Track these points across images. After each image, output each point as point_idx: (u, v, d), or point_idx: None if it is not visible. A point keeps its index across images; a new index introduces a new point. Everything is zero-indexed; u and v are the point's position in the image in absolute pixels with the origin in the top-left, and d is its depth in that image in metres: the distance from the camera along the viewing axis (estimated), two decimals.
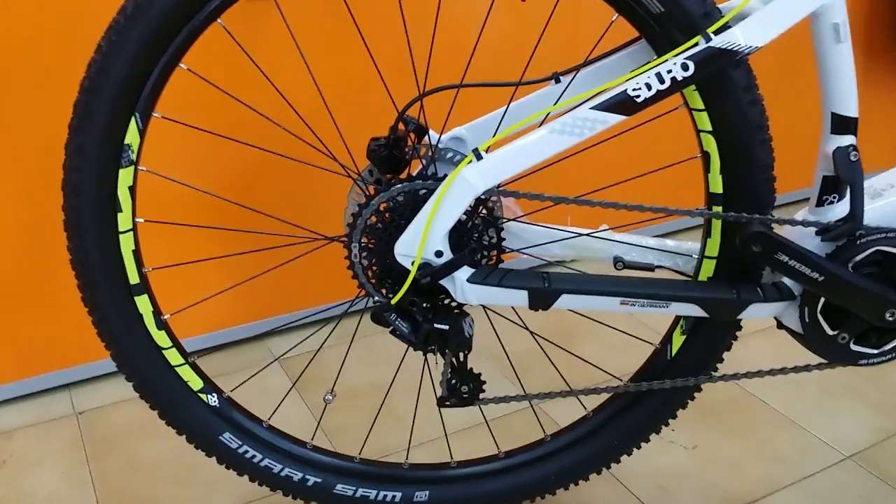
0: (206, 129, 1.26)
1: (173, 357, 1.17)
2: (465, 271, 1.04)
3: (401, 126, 1.11)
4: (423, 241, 1.00)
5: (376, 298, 1.09)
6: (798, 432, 1.55)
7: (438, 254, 1.02)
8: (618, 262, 1.18)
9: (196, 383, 1.19)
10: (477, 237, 1.08)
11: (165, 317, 1.15)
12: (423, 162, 1.12)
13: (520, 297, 1.05)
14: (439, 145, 1.13)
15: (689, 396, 1.23)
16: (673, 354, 1.20)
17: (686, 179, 1.29)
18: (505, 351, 1.27)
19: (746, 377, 1.16)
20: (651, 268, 1.18)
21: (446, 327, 1.05)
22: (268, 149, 1.21)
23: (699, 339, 1.18)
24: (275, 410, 1.26)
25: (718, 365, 1.20)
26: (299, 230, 1.18)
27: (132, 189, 1.06)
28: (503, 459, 1.28)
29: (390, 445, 1.52)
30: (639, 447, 1.26)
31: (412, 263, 1.02)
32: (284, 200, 1.78)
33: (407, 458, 1.29)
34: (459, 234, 1.06)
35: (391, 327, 1.05)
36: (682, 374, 1.19)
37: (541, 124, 1.02)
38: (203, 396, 1.20)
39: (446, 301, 1.10)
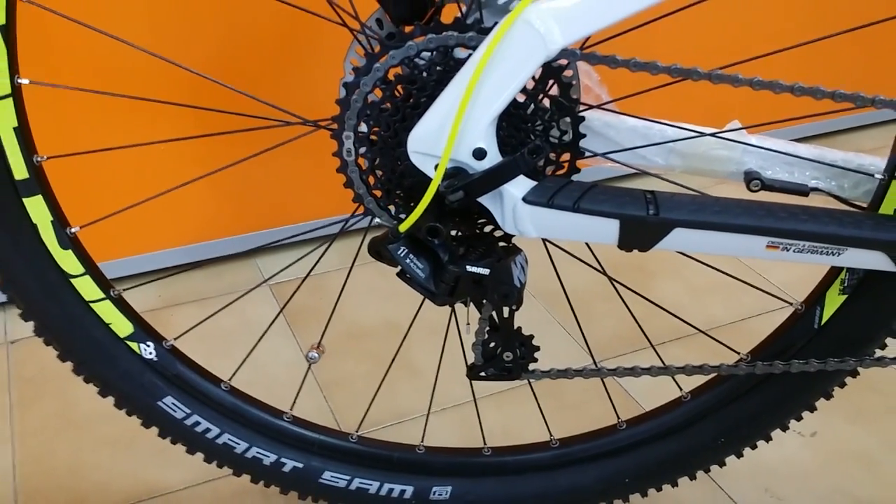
0: None
1: (87, 289, 0.80)
2: (521, 184, 0.64)
3: None
4: (454, 130, 0.60)
5: (379, 220, 0.70)
6: None
7: (479, 154, 0.62)
8: (753, 179, 0.77)
9: (123, 327, 0.83)
10: (541, 131, 0.68)
11: (73, 230, 0.78)
12: (463, 6, 0.71)
13: (606, 231, 0.65)
14: None
15: (839, 383, 0.84)
16: (822, 322, 0.80)
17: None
18: (565, 292, 0.87)
19: None
20: (805, 190, 0.77)
21: (485, 272, 0.66)
22: None
23: (867, 301, 0.78)
24: (242, 363, 0.90)
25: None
26: (274, 111, 0.79)
27: (4, 28, 0.67)
28: (557, 449, 0.91)
29: (404, 409, 1.16)
30: (754, 447, 0.88)
31: (435, 167, 0.63)
32: (267, 72, 1.37)
33: (423, 439, 0.93)
34: (513, 125, 0.66)
35: (399, 267, 0.67)
36: (834, 351, 0.79)
37: None
38: (133, 346, 0.84)
39: (486, 229, 0.71)
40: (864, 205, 0.76)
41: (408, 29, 0.74)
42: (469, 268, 0.65)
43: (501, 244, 0.70)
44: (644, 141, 0.79)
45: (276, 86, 1.38)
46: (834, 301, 0.79)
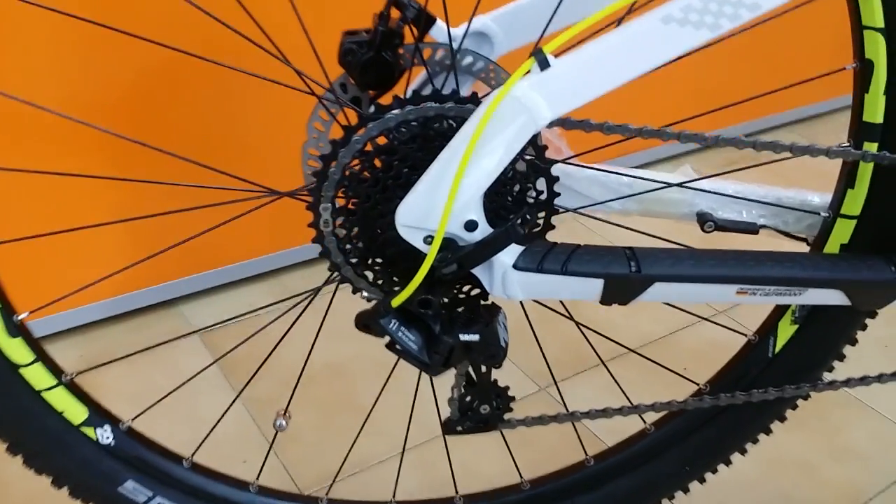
0: (84, 18, 0.80)
1: (37, 377, 0.75)
2: (510, 251, 0.64)
3: (394, 12, 0.70)
4: (448, 207, 0.60)
5: (364, 293, 0.69)
6: (881, 424, 1.24)
7: (471, 225, 0.62)
8: (706, 221, 0.81)
9: (77, 413, 0.78)
10: (517, 194, 0.68)
11: (20, 317, 0.73)
12: (429, 70, 0.71)
13: (590, 289, 0.67)
14: (455, 44, 0.72)
15: (792, 405, 0.89)
16: (776, 351, 0.85)
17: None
18: (536, 339, 0.88)
19: (880, 381, 0.82)
20: (754, 229, 0.81)
21: (476, 338, 0.66)
22: (173, 46, 0.76)
23: (817, 329, 0.83)
24: (202, 441, 0.86)
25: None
26: (232, 181, 0.76)
27: None
28: (529, 491, 0.92)
29: (361, 457, 1.14)
30: (715, 471, 0.92)
31: (424, 240, 0.63)
32: (205, 130, 1.33)
33: (395, 494, 0.92)
34: (492, 190, 0.66)
35: (390, 340, 0.66)
36: (788, 377, 0.84)
37: (622, 18, 0.62)
38: (89, 431, 0.79)
39: (464, 291, 0.71)
40: (807, 238, 0.82)
41: (371, 93, 0.74)
42: (462, 336, 0.65)
43: (482, 302, 0.71)
44: (601, 189, 0.81)
45: (236, 153, 1.35)
46: (786, 331, 0.84)
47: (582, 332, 0.88)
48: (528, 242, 0.65)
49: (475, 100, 0.65)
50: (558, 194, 0.70)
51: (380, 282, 0.71)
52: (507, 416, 0.81)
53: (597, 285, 0.66)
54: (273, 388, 1.18)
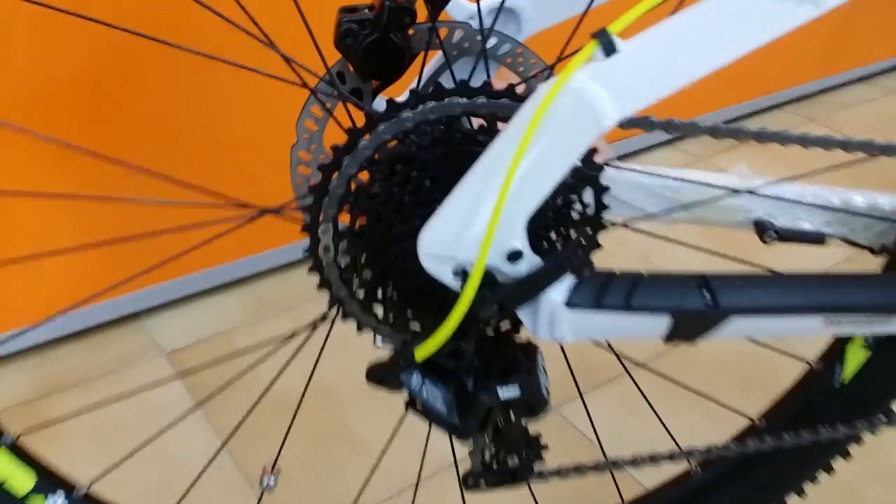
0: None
1: None
2: (560, 286, 0.51)
3: None
4: (490, 233, 0.47)
5: (377, 340, 0.56)
6: None
7: (514, 256, 0.49)
8: (767, 230, 0.68)
9: (23, 481, 0.64)
10: (559, 209, 0.55)
11: None
12: (449, 56, 0.58)
13: (655, 326, 0.54)
14: (477, 22, 0.58)
15: (856, 439, 0.77)
16: (845, 380, 0.73)
17: None
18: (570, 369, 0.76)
19: None
20: (822, 239, 0.69)
21: (517, 392, 0.53)
22: (139, 32, 0.61)
23: (892, 355, 0.72)
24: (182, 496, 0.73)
25: None
26: (209, 194, 0.62)
27: None
28: None
29: (354, 495, 1.01)
30: None
31: (455, 274, 0.49)
32: (172, 127, 1.17)
33: None
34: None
35: (412, 398, 0.53)
36: (857, 411, 0.73)
37: None
38: (38, 501, 0.65)
39: (497, 330, 0.58)
40: (873, 247, 0.70)
41: (375, 83, 0.60)
42: (503, 393, 0.52)
43: (519, 346, 0.58)
44: (644, 194, 0.69)
45: (211, 155, 1.19)
46: (856, 357, 0.72)
47: (608, 348, 0.76)
48: (594, 280, 0.52)
49: (512, 94, 0.52)
50: (607, 207, 0.57)
51: (392, 319, 0.58)
52: (537, 466, 0.69)
53: (663, 323, 0.54)
54: (251, 417, 1.05)
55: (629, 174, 0.67)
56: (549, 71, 0.60)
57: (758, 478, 0.78)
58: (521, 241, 0.49)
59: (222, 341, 1.24)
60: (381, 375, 0.52)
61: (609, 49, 0.45)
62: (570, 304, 0.51)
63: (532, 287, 0.49)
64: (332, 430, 1.11)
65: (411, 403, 0.53)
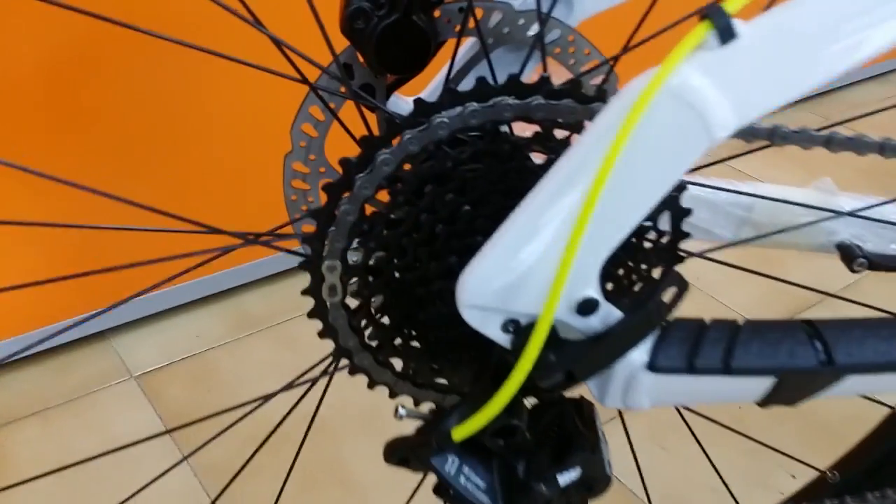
0: None
1: None
2: (643, 348, 0.39)
3: None
4: (561, 276, 0.35)
5: (400, 410, 0.43)
6: None
7: (586, 307, 0.37)
8: (855, 256, 0.57)
9: None
10: (634, 242, 0.44)
11: None
12: (486, 44, 0.46)
13: (752, 389, 0.43)
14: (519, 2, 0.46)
15: None
16: None
17: None
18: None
19: None
20: None
21: (578, 475, 0.41)
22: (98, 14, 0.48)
23: None
24: None
25: None
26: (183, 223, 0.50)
27: None
28: None
29: None
30: None
31: (504, 329, 0.37)
32: (145, 128, 1.04)
33: None
34: None
35: (444, 484, 0.40)
36: None
37: None
38: None
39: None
40: None
41: (390, 78, 0.48)
42: (563, 480, 0.40)
43: (575, 414, 0.46)
44: (712, 213, 0.57)
45: (193, 164, 1.07)
46: None
47: None
48: (680, 334, 0.40)
49: (578, 94, 0.40)
50: (688, 235, 0.46)
51: (412, 374, 0.46)
52: None
53: (764, 384, 0.42)
54: (231, 447, 0.92)
55: (691, 188, 0.56)
56: (609, 65, 0.48)
57: None
58: (595, 289, 0.37)
59: (198, 363, 1.12)
60: (403, 455, 0.40)
61: (726, 34, 0.33)
62: (655, 367, 0.39)
63: (611, 350, 0.37)
64: (323, 466, 0.99)
65: (442, 491, 0.41)
